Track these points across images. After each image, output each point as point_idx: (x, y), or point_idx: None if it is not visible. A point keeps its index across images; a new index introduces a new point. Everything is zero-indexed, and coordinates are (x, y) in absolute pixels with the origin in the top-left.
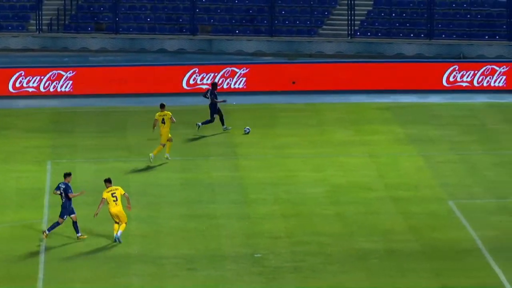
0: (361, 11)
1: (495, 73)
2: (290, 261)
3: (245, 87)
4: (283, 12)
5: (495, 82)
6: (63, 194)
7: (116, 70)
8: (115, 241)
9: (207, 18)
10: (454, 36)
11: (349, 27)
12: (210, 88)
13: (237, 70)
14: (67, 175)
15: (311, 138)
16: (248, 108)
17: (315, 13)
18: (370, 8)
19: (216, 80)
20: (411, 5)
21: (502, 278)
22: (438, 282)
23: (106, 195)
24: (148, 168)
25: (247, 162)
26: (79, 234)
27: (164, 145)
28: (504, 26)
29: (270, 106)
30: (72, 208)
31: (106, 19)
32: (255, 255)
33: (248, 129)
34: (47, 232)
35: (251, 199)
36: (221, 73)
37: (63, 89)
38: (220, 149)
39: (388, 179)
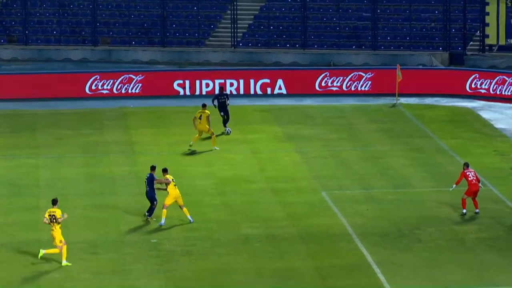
0: (243, 24)
1: (361, 79)
2: (182, 245)
3: (141, 92)
4: (174, 26)
5: (361, 86)
6: (146, 183)
7: (25, 78)
8: (190, 222)
9: (107, 31)
10: (325, 46)
11: (233, 39)
12: (226, 93)
13: (133, 77)
14: (152, 168)
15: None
16: (144, 111)
17: (203, 26)
18: (251, 21)
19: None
20: (287, 19)
21: (369, 259)
22: (313, 263)
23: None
24: (55, 164)
25: (144, 158)
26: (150, 216)
27: (200, 135)
28: (369, 37)
29: (163, 109)
30: (154, 196)
31: (17, 32)
32: (152, 241)
33: (229, 129)
34: (147, 215)
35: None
36: (120, 79)
37: None
38: (120, 147)
39: (268, 172)
